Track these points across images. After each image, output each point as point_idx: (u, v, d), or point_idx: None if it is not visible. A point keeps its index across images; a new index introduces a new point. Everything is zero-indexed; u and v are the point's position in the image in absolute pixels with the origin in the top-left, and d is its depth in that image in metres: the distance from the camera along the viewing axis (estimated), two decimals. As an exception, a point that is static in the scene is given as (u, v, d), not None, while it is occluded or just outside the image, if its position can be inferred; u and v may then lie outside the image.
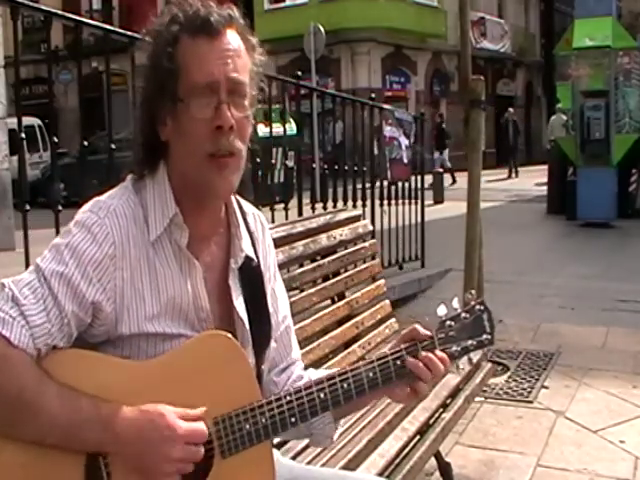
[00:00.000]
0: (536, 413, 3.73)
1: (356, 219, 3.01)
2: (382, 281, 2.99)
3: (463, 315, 1.43)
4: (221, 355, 1.32)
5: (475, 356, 2.88)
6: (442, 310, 1.43)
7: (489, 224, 5.96)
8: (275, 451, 1.49)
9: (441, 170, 14.51)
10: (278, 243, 2.35)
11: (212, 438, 1.28)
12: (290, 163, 6.19)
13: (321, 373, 1.49)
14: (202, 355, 1.30)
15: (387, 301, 2.98)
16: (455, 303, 1.44)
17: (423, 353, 1.38)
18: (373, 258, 3.00)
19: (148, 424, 1.22)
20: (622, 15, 13.15)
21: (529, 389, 4.06)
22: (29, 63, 21.23)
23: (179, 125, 1.31)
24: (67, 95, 22.77)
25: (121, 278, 1.29)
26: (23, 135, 2.99)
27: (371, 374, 1.37)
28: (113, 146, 3.31)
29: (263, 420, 1.30)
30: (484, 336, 1.43)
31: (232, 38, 1.33)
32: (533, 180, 17.12)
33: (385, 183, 6.25)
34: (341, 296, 2.71)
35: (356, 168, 5.63)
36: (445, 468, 2.95)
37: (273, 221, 4.07)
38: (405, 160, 6.46)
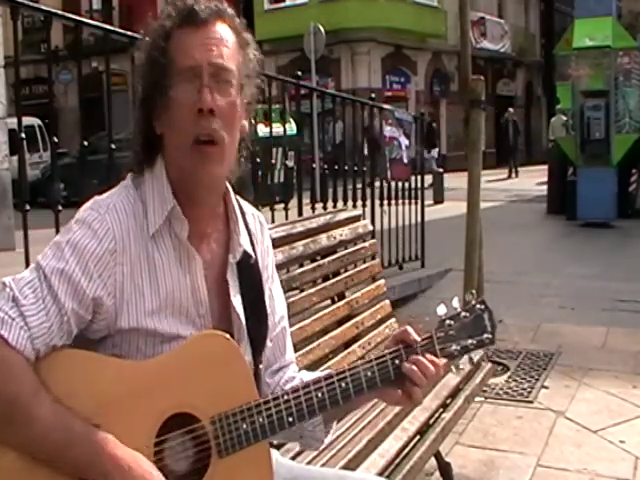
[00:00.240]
0: (536, 413, 3.73)
1: (356, 219, 3.01)
2: (382, 281, 2.99)
3: (463, 314, 1.42)
4: (219, 355, 1.32)
5: (475, 356, 2.88)
6: (442, 309, 1.42)
7: (489, 224, 5.96)
8: (274, 451, 1.49)
9: (441, 170, 14.49)
10: (278, 243, 2.35)
11: (209, 437, 1.28)
12: (290, 163, 6.19)
13: (315, 374, 1.49)
14: (200, 355, 1.30)
15: (387, 301, 2.98)
16: (455, 302, 1.43)
17: (419, 357, 1.37)
18: (373, 258, 2.99)
19: (136, 472, 1.21)
20: (622, 15, 13.15)
21: (529, 389, 4.05)
22: (29, 63, 21.22)
23: (168, 115, 1.32)
24: (67, 95, 22.77)
25: (121, 273, 1.30)
26: (23, 135, 2.99)
27: (369, 373, 1.36)
28: (113, 146, 3.31)
29: (260, 420, 1.30)
30: (484, 335, 1.42)
31: (221, 29, 1.34)
32: (533, 180, 17.12)
33: (385, 183, 6.25)
34: (341, 296, 2.71)
35: (356, 168, 5.64)
36: (445, 468, 2.95)
37: (273, 221, 4.07)
38: (405, 160, 6.46)
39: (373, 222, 5.26)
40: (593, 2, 10.06)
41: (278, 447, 1.82)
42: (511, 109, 24.35)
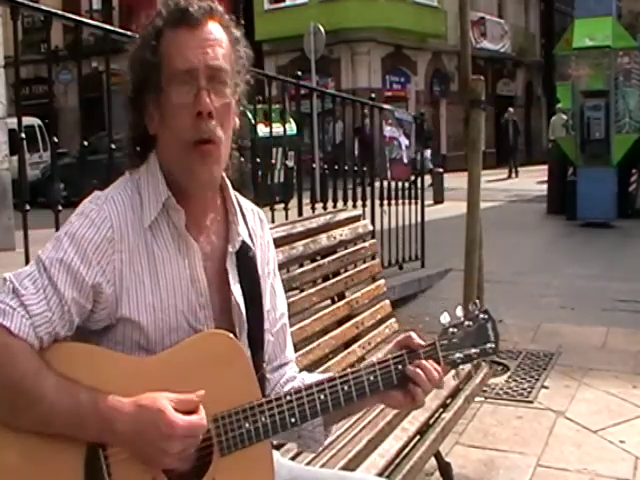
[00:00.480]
0: (536, 413, 3.73)
1: (356, 219, 3.01)
2: (382, 281, 2.99)
3: (467, 323, 1.43)
4: (222, 354, 1.32)
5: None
6: (445, 318, 1.43)
7: (489, 224, 5.95)
8: (275, 452, 1.49)
9: (440, 170, 14.49)
10: (278, 243, 2.34)
11: (211, 435, 1.28)
12: (290, 163, 6.19)
13: (315, 376, 1.50)
14: (203, 353, 1.31)
15: (387, 301, 2.98)
16: (459, 311, 1.45)
17: (423, 361, 1.38)
18: (373, 258, 2.99)
19: (147, 422, 1.22)
20: (622, 15, 13.14)
21: (529, 389, 4.05)
22: (29, 63, 21.21)
23: (163, 116, 1.34)
24: (67, 95, 22.77)
25: (120, 260, 1.31)
26: (23, 135, 2.99)
27: (372, 377, 1.37)
28: (113, 146, 3.31)
29: (263, 419, 1.31)
30: (488, 345, 1.43)
31: (214, 29, 1.36)
32: (533, 180, 17.13)
33: (385, 183, 6.25)
34: (341, 296, 2.71)
35: (356, 168, 5.64)
36: (445, 468, 2.95)
37: (273, 221, 4.07)
38: (405, 160, 6.46)
39: (373, 222, 5.26)
40: (593, 2, 10.06)
41: (278, 447, 1.82)
42: (511, 109, 24.35)
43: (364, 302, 2.82)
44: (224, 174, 1.45)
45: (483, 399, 3.87)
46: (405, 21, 23.71)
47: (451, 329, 1.42)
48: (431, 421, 2.46)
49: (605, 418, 3.62)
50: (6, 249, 6.04)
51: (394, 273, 5.90)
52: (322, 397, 1.34)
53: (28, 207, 3.01)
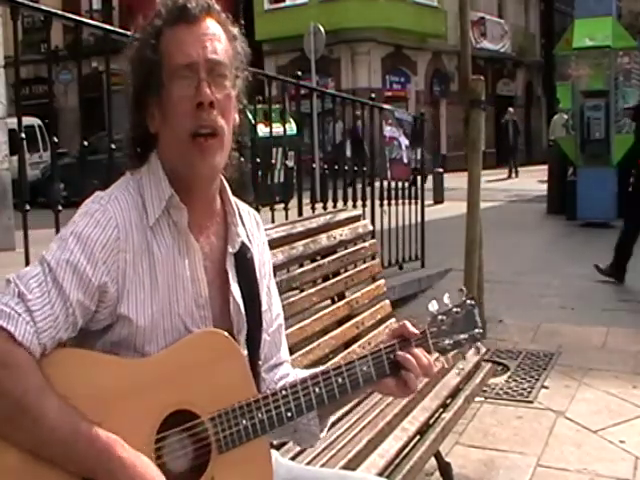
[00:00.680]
0: (536, 413, 3.73)
1: (356, 219, 3.01)
2: (382, 281, 2.99)
3: (455, 310, 1.47)
4: (218, 353, 1.33)
5: (474, 357, 2.89)
6: (434, 306, 1.46)
7: (489, 224, 5.96)
8: (274, 451, 1.50)
9: (441, 170, 14.50)
10: (278, 243, 2.35)
11: (209, 434, 1.29)
12: (290, 163, 6.19)
13: (309, 371, 1.50)
14: (199, 352, 1.32)
15: (387, 301, 2.98)
16: (446, 299, 1.48)
17: (414, 348, 1.41)
18: (373, 258, 2.99)
19: (140, 472, 1.21)
20: (622, 15, 13.16)
21: (529, 389, 4.05)
22: (29, 63, 21.22)
23: (165, 112, 1.35)
24: (67, 95, 22.78)
25: (124, 260, 1.32)
26: (23, 135, 2.99)
27: (365, 368, 1.39)
28: (113, 146, 3.31)
29: (260, 415, 1.32)
30: (476, 330, 1.47)
31: (211, 25, 1.38)
32: (533, 180, 17.12)
33: (385, 183, 6.25)
34: (341, 296, 2.71)
35: (355, 168, 5.64)
36: (445, 468, 2.95)
37: (273, 221, 4.07)
38: (405, 160, 6.46)
39: (373, 222, 5.26)
40: (593, 2, 10.06)
41: (278, 447, 1.82)
42: (511, 109, 24.35)
43: (364, 302, 2.82)
44: (222, 177, 1.46)
45: (483, 399, 3.87)
46: (405, 21, 23.71)
47: (440, 316, 1.46)
48: (431, 421, 2.46)
49: (605, 418, 3.62)
50: (6, 249, 6.04)
51: (394, 273, 5.90)
52: (317, 390, 1.36)
53: (28, 207, 3.01)
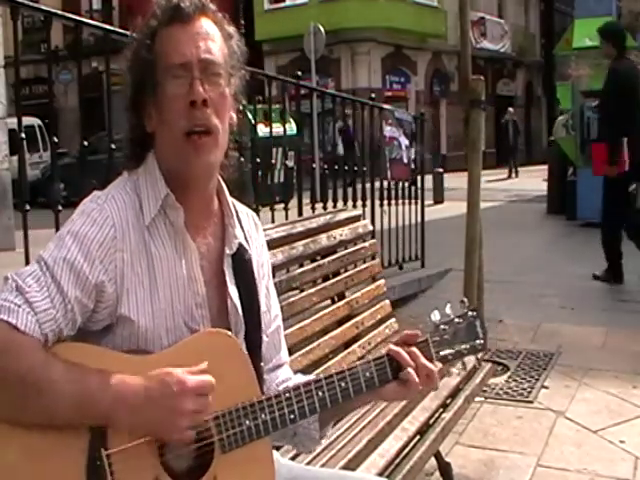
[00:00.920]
0: (536, 413, 3.73)
1: (356, 219, 3.01)
2: (382, 281, 2.99)
3: (456, 320, 1.47)
4: (222, 352, 1.34)
5: (469, 363, 2.88)
6: (436, 316, 1.47)
7: (489, 224, 5.95)
8: (275, 452, 1.50)
9: (441, 170, 14.50)
10: (278, 243, 2.35)
11: (212, 433, 1.29)
12: (290, 163, 6.19)
13: (311, 376, 1.51)
14: (202, 352, 1.32)
15: (387, 301, 2.98)
16: (448, 309, 1.48)
17: (412, 348, 1.41)
18: (373, 258, 3.00)
19: (157, 384, 1.24)
20: (622, 15, 13.13)
21: (529, 389, 4.05)
22: (29, 63, 21.23)
23: (160, 111, 1.36)
24: (67, 95, 22.79)
25: (121, 260, 1.32)
26: (23, 135, 2.99)
27: (368, 374, 1.40)
28: (113, 146, 3.31)
29: (263, 416, 1.32)
30: (477, 341, 1.47)
31: (206, 24, 1.39)
32: (533, 180, 17.11)
33: (385, 183, 6.25)
34: (341, 296, 2.71)
35: (356, 168, 5.64)
36: (445, 468, 2.95)
37: (273, 221, 4.07)
38: (405, 160, 6.46)
39: (373, 222, 5.26)
40: (593, 2, 10.06)
41: (278, 448, 1.82)
42: (511, 109, 24.37)
43: (364, 302, 2.82)
44: (220, 178, 1.46)
45: (483, 399, 3.87)
46: (405, 21, 23.72)
47: (442, 326, 1.46)
48: (431, 421, 2.46)
49: (605, 418, 3.62)
50: (6, 249, 6.04)
51: (394, 273, 5.90)
52: (320, 394, 1.36)
53: (28, 207, 3.01)
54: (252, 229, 1.56)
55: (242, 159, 1.51)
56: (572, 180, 10.41)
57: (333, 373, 1.39)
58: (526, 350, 4.73)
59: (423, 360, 1.41)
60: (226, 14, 1.45)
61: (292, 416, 1.34)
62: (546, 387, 4.09)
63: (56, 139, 3.34)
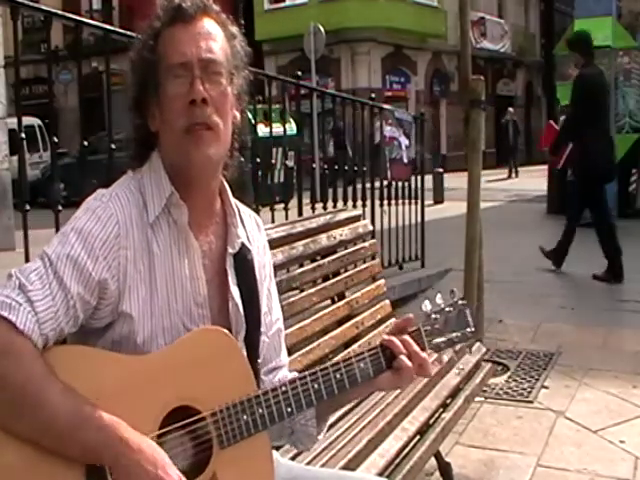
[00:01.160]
0: (536, 413, 3.73)
1: (356, 219, 3.01)
2: (382, 281, 2.99)
3: (447, 309, 1.50)
4: (218, 350, 1.35)
5: (474, 357, 2.89)
6: (427, 306, 1.50)
7: (489, 224, 5.95)
8: (274, 452, 1.50)
9: (441, 170, 14.50)
10: (278, 243, 2.35)
11: (210, 429, 1.30)
12: (290, 163, 6.19)
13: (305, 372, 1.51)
14: (199, 349, 1.33)
15: (387, 301, 2.98)
16: (439, 299, 1.51)
17: (405, 336, 1.43)
18: (373, 258, 3.00)
19: (147, 454, 1.21)
20: (622, 15, 13.12)
21: (529, 389, 4.05)
22: (29, 63, 21.24)
23: (162, 110, 1.37)
24: (67, 95, 22.80)
25: (125, 257, 1.33)
26: (23, 135, 2.99)
27: (362, 364, 1.42)
28: (113, 146, 3.31)
29: (260, 410, 1.33)
30: (468, 329, 1.50)
31: (208, 24, 1.39)
32: (533, 180, 17.10)
33: (384, 183, 6.25)
34: (341, 296, 2.71)
35: (356, 168, 5.64)
36: (445, 468, 2.95)
37: (273, 221, 4.06)
38: (405, 160, 6.46)
39: (373, 222, 5.26)
40: (593, 2, 10.07)
41: (278, 448, 1.82)
42: (511, 109, 24.37)
43: (364, 302, 2.82)
44: (222, 178, 1.47)
45: (483, 399, 3.87)
46: (405, 21, 23.72)
47: (433, 315, 1.49)
48: (431, 421, 2.46)
49: (605, 418, 3.62)
50: (6, 249, 6.05)
51: (394, 273, 5.90)
52: (316, 386, 1.37)
53: (28, 207, 3.01)
54: (254, 230, 1.57)
55: (242, 159, 1.51)
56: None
57: (328, 365, 1.40)
58: (526, 350, 4.73)
59: (416, 348, 1.42)
60: (229, 14, 1.46)
61: (289, 409, 1.35)
62: (546, 387, 4.09)
63: (56, 139, 3.33)
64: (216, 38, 1.39)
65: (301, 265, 2.58)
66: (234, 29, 1.44)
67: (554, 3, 33.10)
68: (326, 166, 6.13)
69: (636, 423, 3.56)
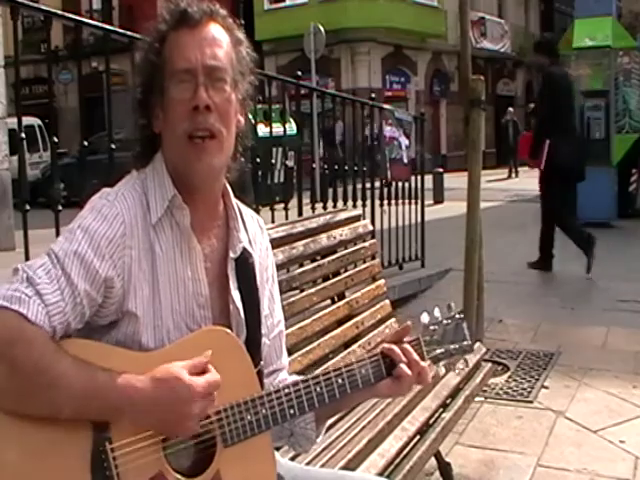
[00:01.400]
0: (536, 413, 3.73)
1: (356, 219, 3.01)
2: (382, 281, 2.99)
3: (445, 322, 1.53)
4: (222, 349, 1.35)
5: (474, 357, 2.88)
6: (425, 318, 1.53)
7: (489, 224, 5.96)
8: (274, 452, 1.50)
9: (441, 170, 14.50)
10: (278, 243, 2.35)
11: (214, 427, 1.31)
12: (290, 163, 6.19)
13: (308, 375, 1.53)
14: (203, 348, 1.33)
15: (387, 301, 2.98)
16: (437, 312, 1.54)
17: (404, 345, 1.46)
18: (373, 258, 3.00)
19: (165, 390, 1.24)
20: (622, 15, 13.14)
21: (529, 389, 4.05)
22: (29, 63, 21.23)
23: (166, 113, 1.38)
24: (67, 95, 22.80)
25: (130, 256, 1.34)
26: (23, 135, 2.99)
27: (363, 370, 1.44)
28: (113, 146, 3.31)
29: (263, 411, 1.35)
30: (465, 342, 1.54)
31: (214, 30, 1.40)
32: (533, 180, 17.06)
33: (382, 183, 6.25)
34: (341, 296, 2.71)
35: (356, 168, 5.64)
36: (445, 468, 2.95)
37: (273, 221, 4.07)
38: (405, 160, 6.46)
39: (373, 222, 5.26)
40: (593, 2, 10.05)
41: (277, 448, 1.82)
42: (511, 109, 24.35)
43: (364, 302, 2.82)
44: (225, 181, 1.47)
45: (483, 399, 3.87)
46: (405, 21, 23.71)
47: (432, 327, 1.52)
48: (431, 421, 2.46)
49: (605, 418, 3.62)
50: (6, 249, 6.04)
51: (394, 273, 5.90)
52: (318, 389, 1.39)
53: (28, 207, 3.01)
54: (257, 232, 1.57)
55: (242, 159, 1.51)
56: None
57: (330, 370, 1.42)
58: (526, 350, 4.73)
59: (416, 356, 1.45)
60: (237, 20, 1.46)
61: (292, 411, 1.37)
62: (546, 387, 4.09)
63: (56, 139, 3.34)
64: (222, 44, 1.39)
65: (301, 265, 2.58)
66: (240, 34, 1.44)
67: (554, 3, 33.27)
68: (326, 166, 6.13)
69: (636, 423, 3.56)
